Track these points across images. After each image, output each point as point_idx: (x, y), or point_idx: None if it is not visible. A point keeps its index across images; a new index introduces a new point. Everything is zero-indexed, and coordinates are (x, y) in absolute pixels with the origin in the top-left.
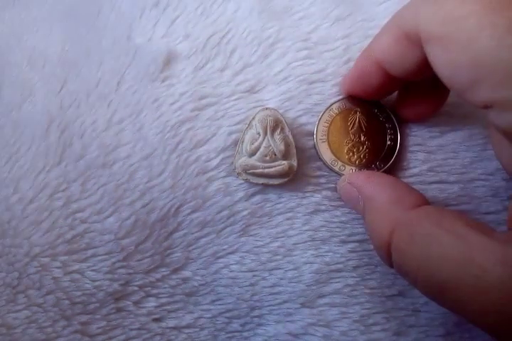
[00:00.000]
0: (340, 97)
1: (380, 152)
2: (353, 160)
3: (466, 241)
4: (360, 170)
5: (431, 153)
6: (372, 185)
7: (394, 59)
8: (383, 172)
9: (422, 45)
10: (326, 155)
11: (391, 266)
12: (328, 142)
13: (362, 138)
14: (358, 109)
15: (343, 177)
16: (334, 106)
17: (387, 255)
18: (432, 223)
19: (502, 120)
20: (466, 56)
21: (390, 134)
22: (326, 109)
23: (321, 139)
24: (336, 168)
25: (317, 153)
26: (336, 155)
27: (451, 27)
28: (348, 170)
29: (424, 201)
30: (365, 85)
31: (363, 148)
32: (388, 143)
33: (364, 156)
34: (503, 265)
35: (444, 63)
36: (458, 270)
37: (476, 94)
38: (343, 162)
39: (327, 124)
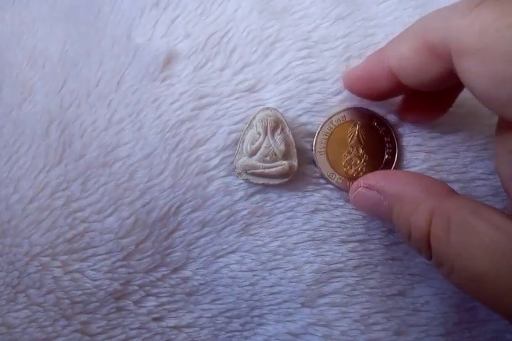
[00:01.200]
0: (341, 109)
1: (378, 166)
2: (350, 173)
3: (505, 233)
4: None
5: (431, 152)
6: (396, 183)
7: (411, 70)
8: None
9: (452, 58)
10: (324, 167)
11: (429, 258)
12: (327, 154)
13: (360, 152)
14: (358, 122)
15: (354, 185)
16: (334, 119)
17: (427, 247)
18: (469, 212)
19: None
20: (503, 73)
21: (388, 148)
22: (326, 121)
23: (319, 151)
24: (334, 181)
25: (315, 164)
26: (333, 168)
27: (491, 38)
28: (345, 184)
29: (452, 191)
30: (371, 87)
31: (360, 161)
32: (386, 156)
33: (361, 170)
34: None
35: (481, 77)
36: (497, 261)
37: (508, 114)
38: (340, 175)
39: (326, 136)
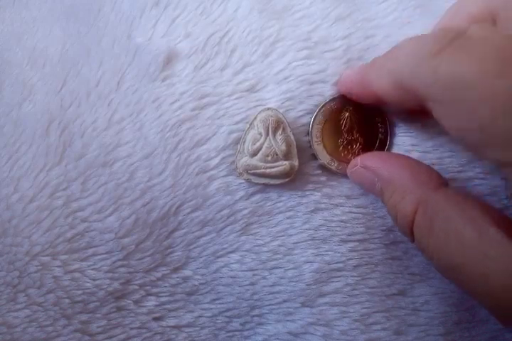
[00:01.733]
0: (329, 98)
1: (373, 147)
2: (348, 157)
3: (485, 236)
4: None
5: (427, 152)
6: (390, 167)
7: (394, 101)
8: None
9: (422, 101)
10: (323, 156)
11: (412, 241)
12: (323, 143)
13: (355, 136)
14: (349, 108)
15: (353, 161)
16: (325, 108)
17: (411, 233)
18: (454, 208)
19: None
20: (472, 123)
21: (380, 127)
22: (318, 111)
23: (316, 141)
24: (333, 168)
25: (314, 154)
26: (332, 155)
27: (451, 94)
28: (345, 169)
29: (444, 181)
30: (361, 98)
31: (356, 145)
32: (380, 136)
33: (358, 152)
34: None
35: (449, 125)
36: (473, 259)
37: (487, 155)
38: (339, 161)
39: (320, 126)
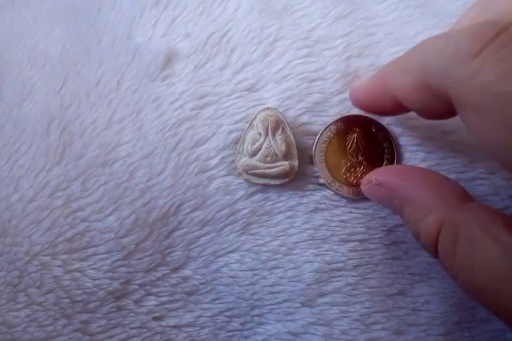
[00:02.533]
0: (338, 117)
1: None
2: (350, 180)
3: (510, 255)
4: (358, 189)
5: (430, 152)
6: (410, 183)
7: (416, 104)
8: None
9: (454, 106)
10: (324, 175)
11: (435, 258)
12: (326, 162)
13: (359, 158)
14: (356, 129)
15: (366, 178)
16: (332, 127)
17: (435, 251)
18: (479, 227)
19: None
20: (507, 136)
21: (387, 154)
22: (324, 130)
23: (319, 160)
24: (334, 189)
25: (315, 172)
26: (333, 175)
27: (491, 101)
28: (346, 191)
29: (466, 195)
30: (379, 108)
31: (360, 168)
32: (385, 162)
33: (361, 176)
34: None
35: (484, 138)
36: (499, 281)
37: None
38: (340, 182)
39: (325, 145)
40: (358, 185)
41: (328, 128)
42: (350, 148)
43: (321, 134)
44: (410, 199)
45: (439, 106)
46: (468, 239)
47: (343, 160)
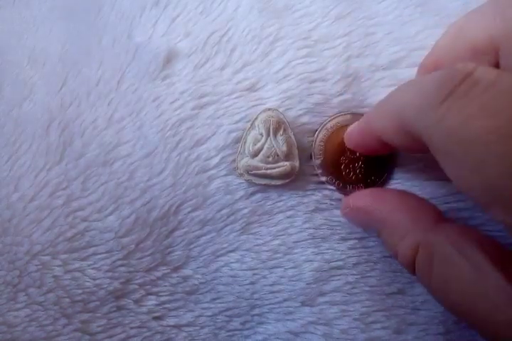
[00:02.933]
0: (334, 115)
1: (375, 166)
2: (349, 176)
3: (484, 276)
4: (357, 185)
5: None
6: (385, 207)
7: (399, 145)
8: (380, 185)
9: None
10: (324, 173)
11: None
12: (325, 160)
13: (357, 154)
14: None
15: (345, 202)
16: (328, 125)
17: (413, 271)
18: (453, 247)
19: None
20: (477, 179)
21: None
22: (321, 128)
23: (318, 158)
24: (333, 186)
25: (315, 170)
26: (332, 173)
27: (457, 146)
28: (346, 187)
29: (439, 215)
30: (370, 149)
31: (358, 164)
32: (382, 156)
33: (360, 172)
34: None
35: (453, 177)
36: (474, 300)
37: (492, 213)
38: (340, 179)
39: (323, 143)
40: (358, 181)
41: (325, 127)
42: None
43: (318, 132)
44: (386, 222)
45: (419, 146)
46: (442, 259)
47: (341, 156)
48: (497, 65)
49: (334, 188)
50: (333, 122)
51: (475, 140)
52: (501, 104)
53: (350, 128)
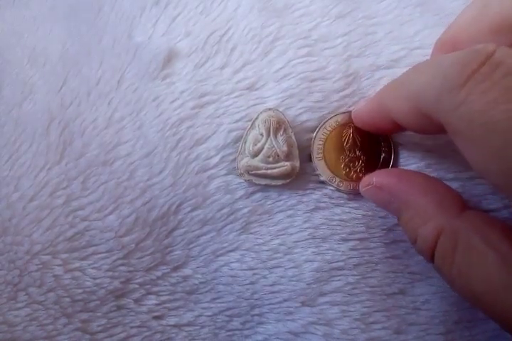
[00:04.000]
0: (332, 114)
1: (376, 165)
2: (350, 175)
3: (508, 263)
4: (358, 184)
5: (429, 151)
6: (410, 189)
7: (414, 127)
8: None
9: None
10: (324, 172)
11: (430, 262)
12: (325, 159)
13: (357, 153)
14: (351, 124)
15: (366, 179)
16: (327, 124)
17: (430, 256)
18: (478, 236)
19: None
20: (498, 165)
21: (383, 146)
22: (320, 127)
23: (317, 157)
24: (334, 185)
25: (315, 170)
26: (333, 172)
27: (478, 130)
28: (346, 186)
29: (464, 203)
30: (380, 129)
31: (358, 162)
32: (383, 155)
33: (360, 170)
34: None
35: (472, 161)
36: (496, 290)
37: (511, 197)
38: (340, 178)
39: (322, 142)
40: (358, 180)
41: (323, 126)
42: (347, 144)
43: (317, 132)
44: (410, 204)
45: (434, 128)
46: (466, 247)
47: (341, 155)
48: None
49: (334, 187)
50: (332, 121)
51: (497, 124)
52: None
53: (358, 107)
